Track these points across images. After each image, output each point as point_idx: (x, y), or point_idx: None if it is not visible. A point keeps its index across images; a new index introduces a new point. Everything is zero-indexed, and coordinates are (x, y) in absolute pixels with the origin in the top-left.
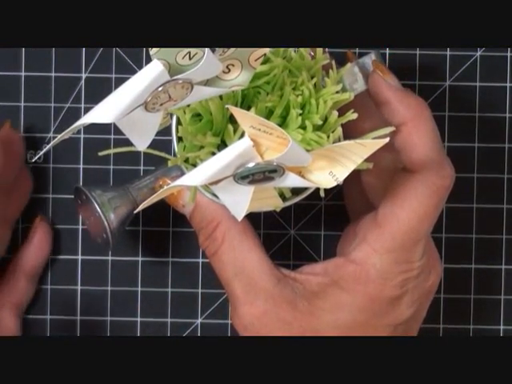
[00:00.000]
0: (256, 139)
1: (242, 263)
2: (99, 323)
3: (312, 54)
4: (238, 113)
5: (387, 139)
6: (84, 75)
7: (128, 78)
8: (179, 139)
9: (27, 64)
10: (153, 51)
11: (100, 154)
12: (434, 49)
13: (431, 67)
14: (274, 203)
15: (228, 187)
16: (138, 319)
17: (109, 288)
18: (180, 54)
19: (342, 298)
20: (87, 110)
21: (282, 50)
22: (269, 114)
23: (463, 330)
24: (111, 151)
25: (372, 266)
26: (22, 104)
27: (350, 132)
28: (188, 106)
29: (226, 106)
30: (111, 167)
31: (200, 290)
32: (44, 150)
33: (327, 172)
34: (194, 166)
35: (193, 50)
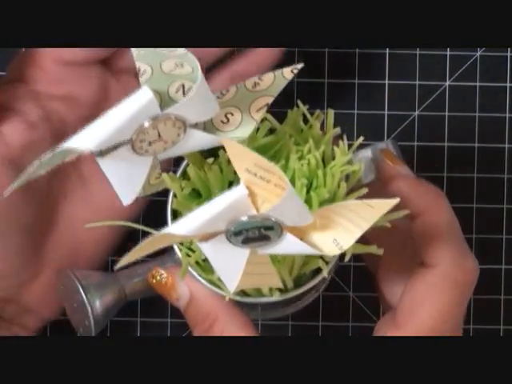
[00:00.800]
0: (252, 188)
1: None
2: None
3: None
4: (233, 148)
5: (397, 199)
6: None
7: None
8: (174, 216)
9: None
10: (142, 79)
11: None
12: (434, 49)
13: (431, 67)
14: (271, 282)
15: (220, 249)
16: (138, 319)
17: None
18: (173, 86)
19: None
20: None
21: (291, 122)
22: None
23: (463, 330)
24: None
25: None
26: None
27: None
28: (185, 179)
29: (220, 140)
30: None
31: None
32: (16, 183)
33: (331, 239)
34: (190, 249)
35: (187, 83)
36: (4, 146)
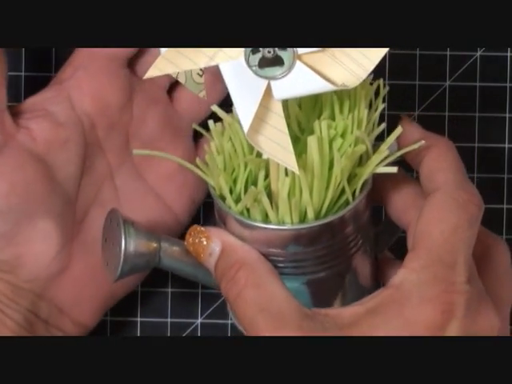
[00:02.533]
0: None
1: (267, 299)
2: (99, 323)
3: None
4: None
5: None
6: None
7: None
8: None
9: (27, 64)
10: None
11: None
12: (434, 49)
13: (431, 67)
14: (288, 161)
15: (239, 74)
16: (138, 319)
17: None
18: None
19: (376, 321)
20: None
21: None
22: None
23: None
24: None
25: (410, 284)
26: None
27: None
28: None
29: None
30: None
31: (200, 290)
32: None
33: (339, 82)
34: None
35: None
36: (31, 140)
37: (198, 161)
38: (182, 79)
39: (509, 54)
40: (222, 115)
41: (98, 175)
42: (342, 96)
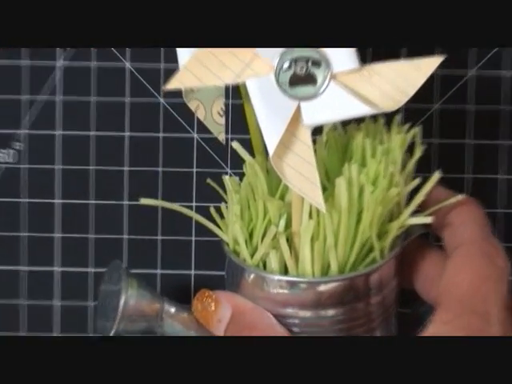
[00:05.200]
0: None
1: None
2: None
3: None
4: None
5: (442, 58)
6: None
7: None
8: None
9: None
10: None
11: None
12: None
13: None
14: (314, 197)
15: (267, 92)
16: None
17: None
18: None
19: None
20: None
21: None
22: None
23: None
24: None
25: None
26: None
27: None
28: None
29: None
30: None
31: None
32: None
33: (377, 107)
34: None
35: None
36: None
37: (211, 210)
38: (201, 115)
39: None
40: (244, 155)
41: None
42: (375, 142)
